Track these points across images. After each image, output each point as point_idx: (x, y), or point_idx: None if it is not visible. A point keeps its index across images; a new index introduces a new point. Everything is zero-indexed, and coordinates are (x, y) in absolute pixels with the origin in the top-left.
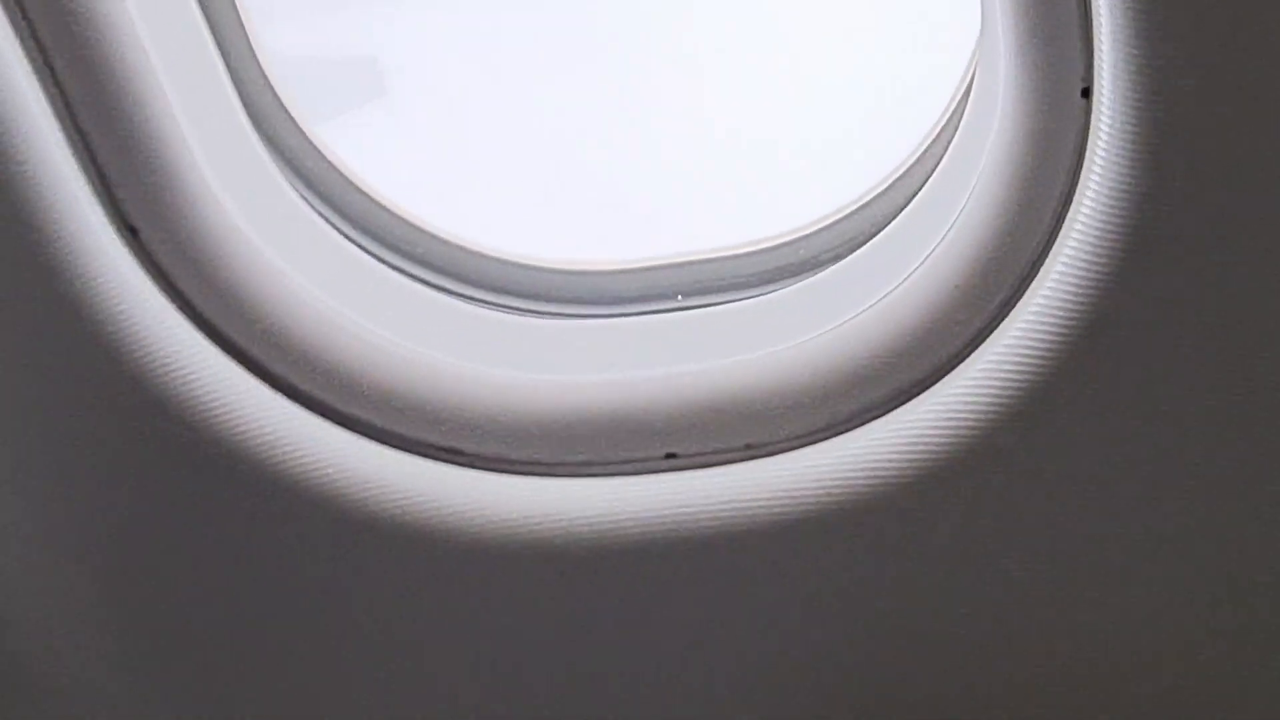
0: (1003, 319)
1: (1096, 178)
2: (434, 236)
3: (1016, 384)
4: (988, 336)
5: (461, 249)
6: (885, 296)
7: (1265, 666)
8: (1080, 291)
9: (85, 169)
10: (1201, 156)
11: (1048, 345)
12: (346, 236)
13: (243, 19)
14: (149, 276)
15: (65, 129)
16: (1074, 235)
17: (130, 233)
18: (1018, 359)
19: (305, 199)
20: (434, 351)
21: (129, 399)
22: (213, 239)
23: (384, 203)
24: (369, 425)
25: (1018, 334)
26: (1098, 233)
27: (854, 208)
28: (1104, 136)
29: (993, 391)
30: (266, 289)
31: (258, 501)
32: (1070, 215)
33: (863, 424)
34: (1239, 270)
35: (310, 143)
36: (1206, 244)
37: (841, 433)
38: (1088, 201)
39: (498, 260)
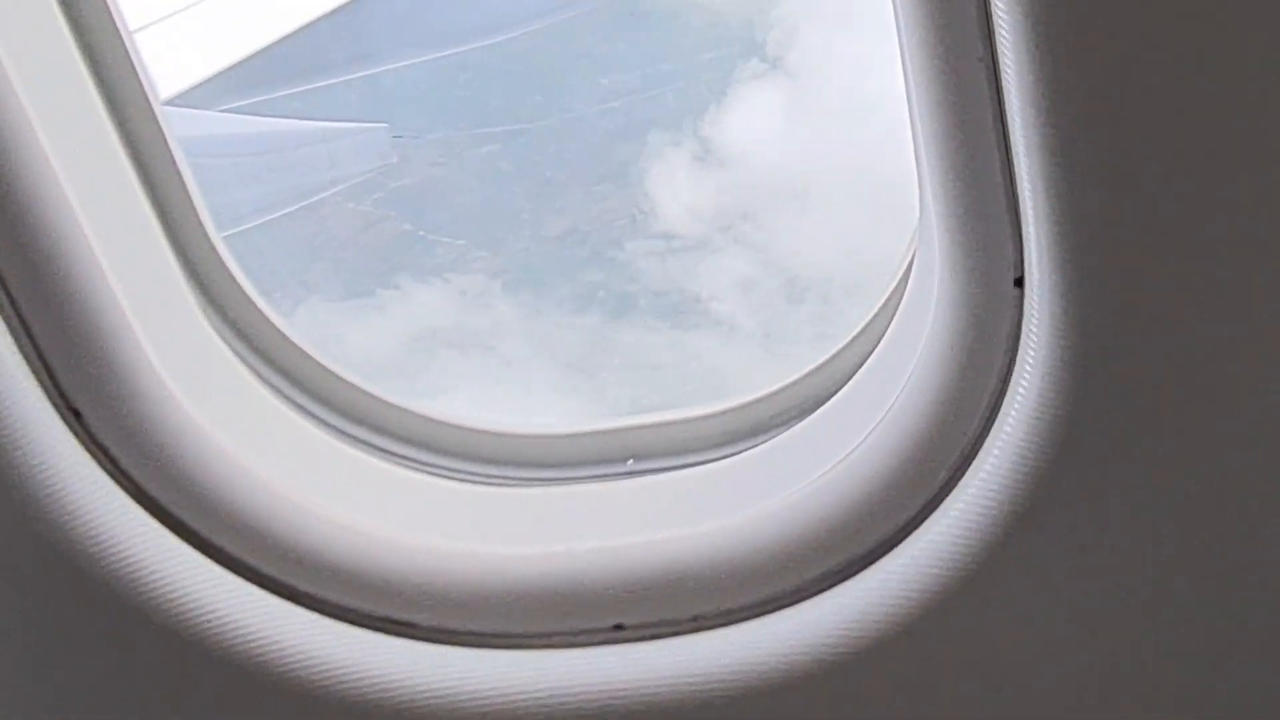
0: (944, 497)
1: (1030, 366)
2: (385, 403)
3: (959, 559)
4: (930, 514)
5: (412, 415)
6: (832, 468)
7: None
8: (1022, 466)
9: (25, 352)
10: (1136, 344)
11: (991, 518)
12: (296, 406)
13: (190, 191)
14: (93, 458)
15: (5, 314)
16: (1011, 418)
17: (74, 415)
18: (961, 533)
19: (251, 367)
20: (382, 523)
21: (73, 578)
22: (157, 418)
23: (335, 370)
24: (319, 600)
25: (961, 509)
26: (1034, 414)
27: (797, 377)
28: (1036, 324)
29: (935, 564)
30: (212, 466)
31: (204, 679)
32: (1007, 399)
33: (809, 597)
34: (1176, 447)
35: (263, 315)
36: (1142, 424)
37: (788, 605)
38: (1023, 387)
39: (450, 426)
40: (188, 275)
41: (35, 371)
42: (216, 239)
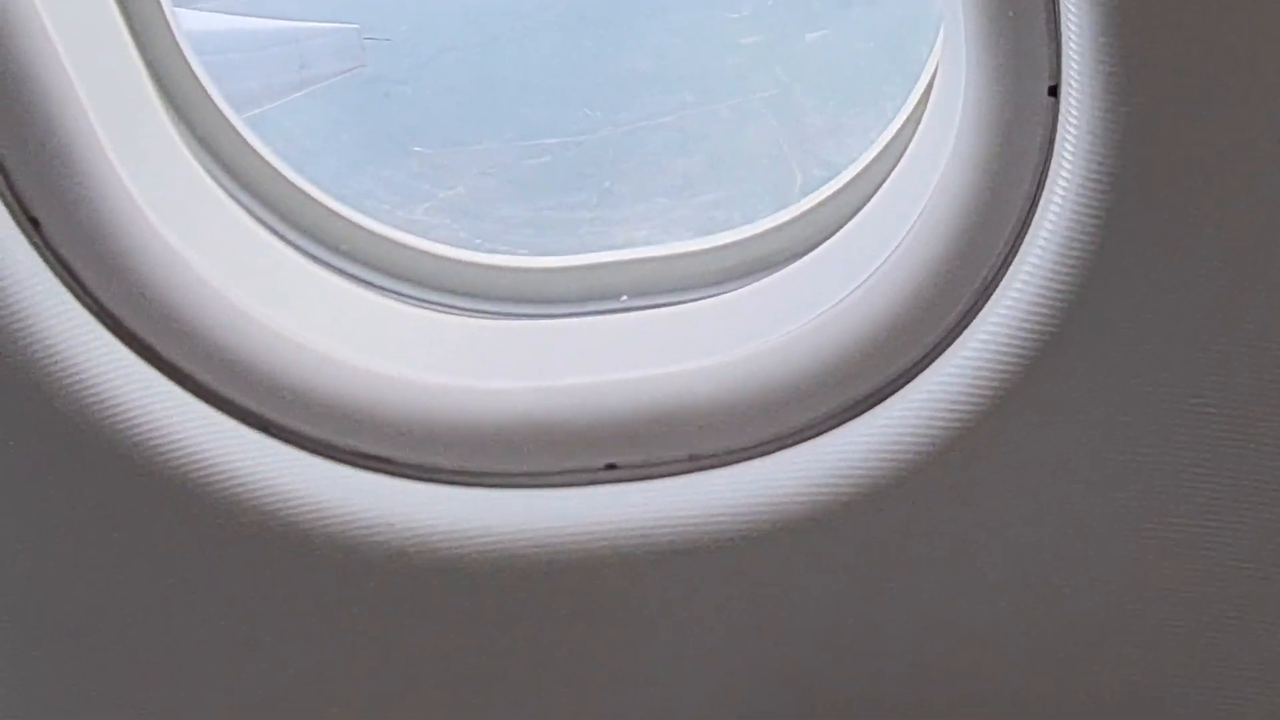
0: (964, 329)
1: (1063, 181)
2: (363, 229)
3: (974, 397)
4: (947, 348)
5: (393, 243)
6: (839, 302)
7: (1220, 664)
8: (1049, 296)
9: None
10: (1171, 156)
11: (1012, 354)
12: (270, 229)
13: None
14: (51, 269)
15: None
16: (1041, 237)
17: (32, 223)
18: (977, 371)
19: (223, 186)
20: (361, 353)
21: (30, 396)
22: (123, 231)
23: (310, 192)
24: (290, 430)
25: (980, 343)
26: (1066, 234)
27: (809, 206)
28: (1072, 136)
29: (948, 405)
30: (181, 285)
31: (170, 507)
32: (1037, 216)
33: (811, 438)
34: (1207, 272)
35: (231, 126)
36: (1176, 241)
37: (789, 445)
38: (1055, 203)
39: (432, 256)
40: (156, 84)
41: None
42: (186, 48)
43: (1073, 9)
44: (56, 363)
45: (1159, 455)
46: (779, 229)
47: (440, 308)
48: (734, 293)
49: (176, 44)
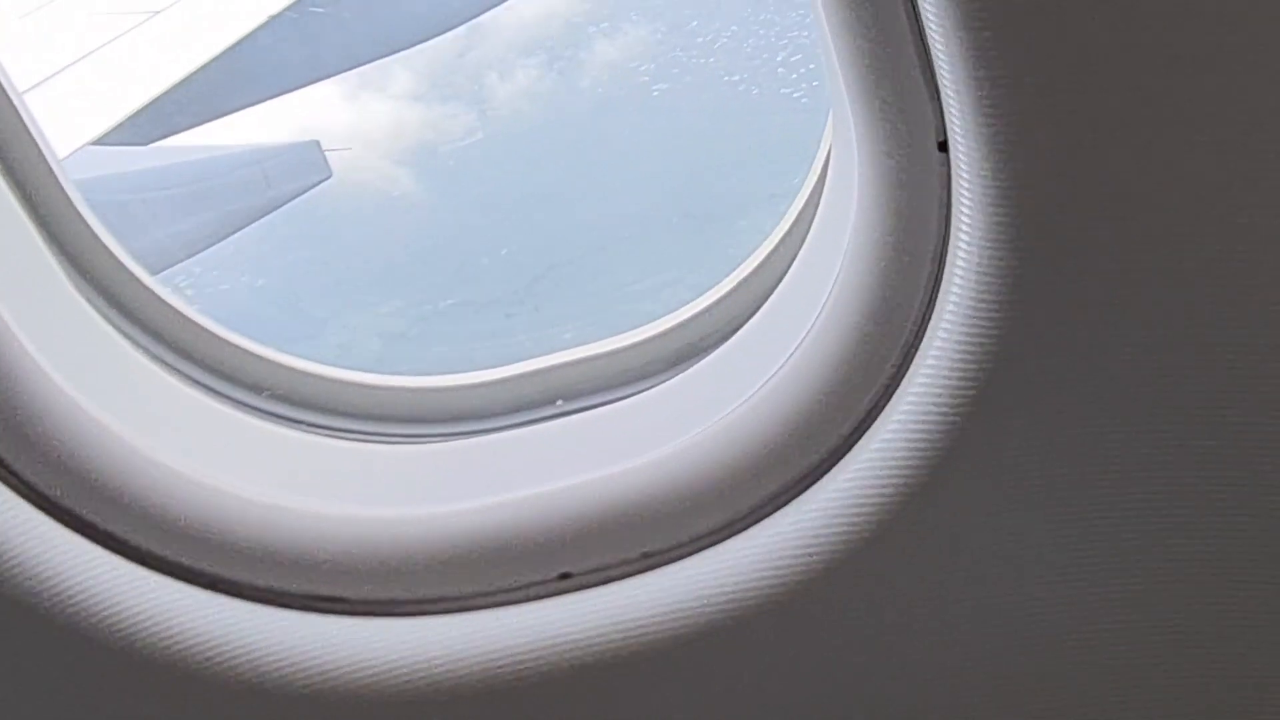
0: (895, 388)
1: (965, 234)
2: (286, 367)
3: (920, 452)
4: (883, 409)
5: (317, 377)
6: (771, 378)
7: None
8: (970, 344)
9: None
10: (1072, 201)
11: (945, 403)
12: (188, 378)
13: (34, 134)
14: None
15: None
16: (953, 293)
17: None
18: (913, 432)
19: (127, 335)
20: (302, 496)
21: None
22: (23, 389)
23: (231, 339)
24: (239, 585)
25: (912, 400)
26: (975, 287)
27: (726, 291)
28: (966, 189)
29: (892, 468)
30: (86, 439)
31: (118, 677)
32: (946, 273)
33: (761, 519)
34: (1122, 307)
35: (134, 277)
36: (1087, 285)
37: (740, 530)
38: (962, 248)
39: (361, 386)
40: (35, 219)
41: None
42: (67, 182)
43: (945, 64)
44: None
45: (1088, 520)
46: (702, 314)
47: (376, 438)
48: (666, 384)
49: (54, 173)
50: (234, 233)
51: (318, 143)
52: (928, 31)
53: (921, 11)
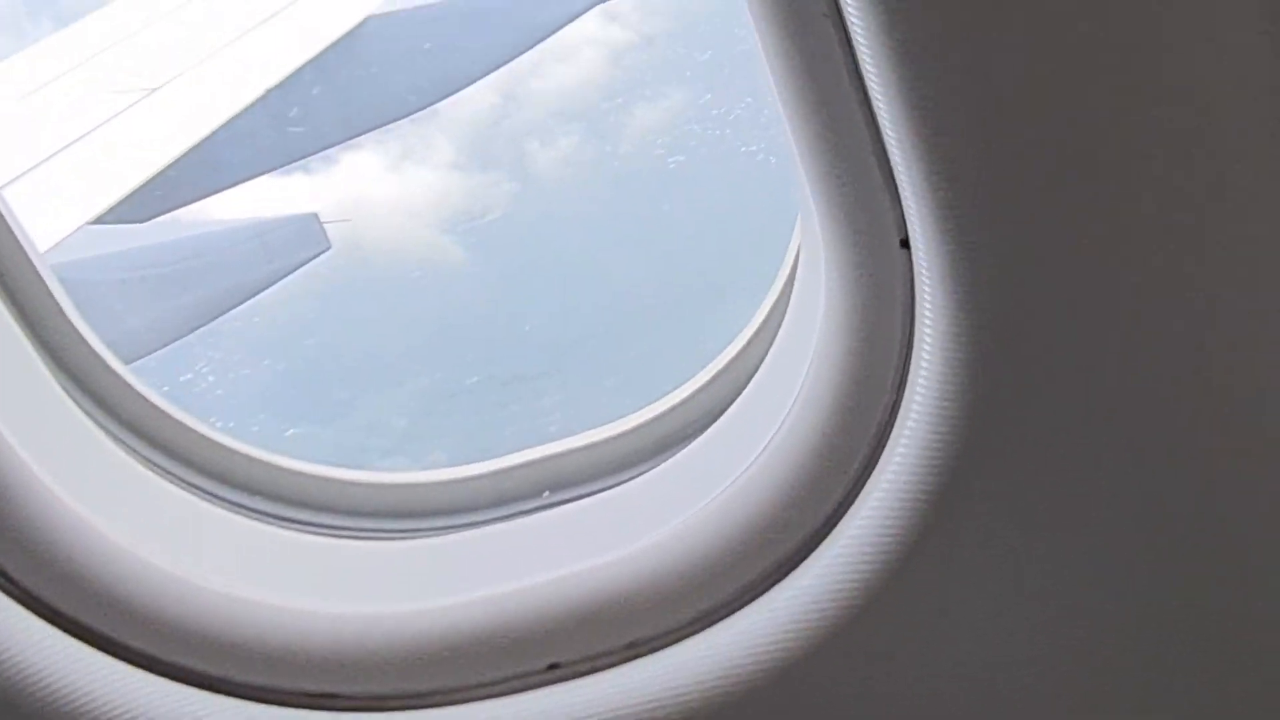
0: (870, 473)
1: (929, 328)
2: (273, 466)
3: (894, 536)
4: (859, 493)
5: (303, 475)
6: (750, 465)
7: None
8: (939, 432)
9: None
10: (1035, 293)
11: (917, 490)
12: (173, 476)
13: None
14: None
15: None
16: (920, 384)
17: None
18: (886, 518)
19: (114, 436)
20: (289, 594)
21: None
22: (14, 495)
23: (214, 436)
24: (235, 684)
25: (883, 491)
26: (941, 378)
27: (705, 380)
28: (929, 285)
29: (871, 548)
30: (80, 544)
31: None
32: (913, 364)
33: (744, 605)
34: (1085, 402)
35: (117, 376)
36: (1052, 378)
37: (724, 617)
38: (927, 340)
39: (345, 483)
40: (22, 318)
41: None
42: (52, 281)
43: (902, 167)
44: None
45: (1064, 585)
46: (683, 403)
47: (365, 534)
48: (646, 475)
49: (40, 276)
50: (236, 306)
51: (316, 215)
52: (885, 138)
53: (879, 119)
